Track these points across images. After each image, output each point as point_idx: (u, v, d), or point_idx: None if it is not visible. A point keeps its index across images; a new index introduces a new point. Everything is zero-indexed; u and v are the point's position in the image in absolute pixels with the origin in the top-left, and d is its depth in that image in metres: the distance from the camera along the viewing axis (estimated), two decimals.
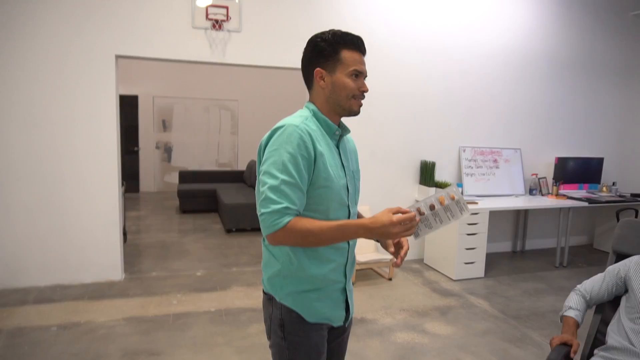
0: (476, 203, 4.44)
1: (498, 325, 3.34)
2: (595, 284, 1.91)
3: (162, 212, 7.19)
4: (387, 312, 3.50)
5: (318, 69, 1.33)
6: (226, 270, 4.39)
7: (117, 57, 3.80)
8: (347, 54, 1.32)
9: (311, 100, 1.40)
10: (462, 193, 4.81)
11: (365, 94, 1.35)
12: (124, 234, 4.67)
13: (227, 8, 3.93)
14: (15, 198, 3.67)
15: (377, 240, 1.45)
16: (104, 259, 3.95)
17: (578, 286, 1.96)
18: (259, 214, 1.24)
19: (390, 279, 4.22)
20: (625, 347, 1.65)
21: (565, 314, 1.87)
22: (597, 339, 1.91)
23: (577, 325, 1.82)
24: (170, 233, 5.83)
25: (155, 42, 3.83)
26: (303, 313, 1.34)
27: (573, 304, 1.88)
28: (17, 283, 3.74)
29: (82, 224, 3.85)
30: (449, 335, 3.15)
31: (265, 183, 1.22)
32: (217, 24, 3.92)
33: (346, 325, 1.49)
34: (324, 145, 1.31)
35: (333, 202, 1.31)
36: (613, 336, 1.72)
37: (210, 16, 3.90)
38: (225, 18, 3.93)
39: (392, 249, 1.42)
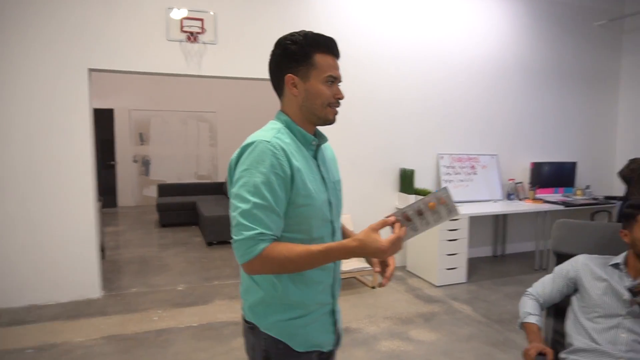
0: None
1: (481, 329, 3.37)
2: (546, 286, 1.92)
3: (141, 226, 7.06)
4: (371, 321, 3.49)
5: (289, 75, 1.21)
6: (208, 283, 4.33)
7: (90, 70, 3.74)
8: (320, 59, 1.21)
9: (283, 110, 1.28)
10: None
11: (341, 100, 1.26)
12: (102, 250, 4.56)
13: (202, 20, 3.92)
14: None
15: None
16: (81, 276, 3.84)
17: (529, 290, 1.96)
18: (232, 241, 1.14)
19: (373, 287, 4.22)
20: (591, 347, 1.68)
21: (526, 320, 1.84)
22: (556, 342, 1.95)
23: (540, 330, 1.83)
24: (149, 247, 5.72)
25: (129, 55, 3.78)
26: (291, 343, 1.23)
27: (531, 309, 1.87)
28: None
29: (58, 241, 3.74)
30: (433, 342, 3.16)
31: (236, 207, 1.12)
32: (192, 36, 3.90)
33: (336, 349, 1.40)
34: (300, 160, 1.20)
35: (315, 219, 1.21)
36: (577, 337, 1.75)
37: (185, 28, 3.88)
38: (200, 30, 3.92)
39: (377, 269, 1.32)
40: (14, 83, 3.52)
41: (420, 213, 1.18)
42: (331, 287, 1.32)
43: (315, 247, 1.12)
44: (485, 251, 5.50)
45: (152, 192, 8.74)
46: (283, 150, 1.15)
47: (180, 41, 3.90)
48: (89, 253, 3.85)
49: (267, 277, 1.21)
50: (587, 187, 5.57)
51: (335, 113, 1.26)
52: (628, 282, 1.75)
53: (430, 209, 1.18)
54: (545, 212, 4.92)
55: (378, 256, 1.10)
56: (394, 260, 1.31)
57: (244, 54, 4.08)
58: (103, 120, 8.17)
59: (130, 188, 8.83)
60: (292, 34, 1.23)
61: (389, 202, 4.84)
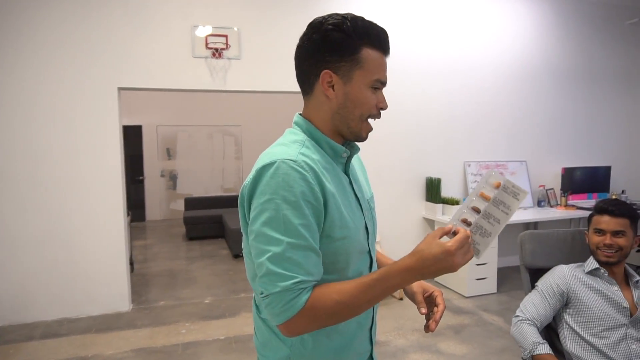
0: None
1: (514, 342, 3.25)
2: (538, 307, 1.76)
3: (169, 239, 7.17)
4: (399, 333, 3.42)
5: (327, 70, 0.93)
6: (234, 296, 4.34)
7: (120, 89, 3.85)
8: (369, 55, 0.93)
9: (306, 114, 1.01)
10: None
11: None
12: (131, 263, 4.64)
13: (226, 37, 3.99)
14: (21, 231, 3.67)
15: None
16: (111, 290, 3.92)
17: (522, 315, 1.78)
18: (259, 295, 0.88)
19: (401, 299, 4.15)
20: None
21: (539, 352, 1.65)
22: None
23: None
24: (177, 261, 5.80)
25: (156, 73, 3.88)
26: None
27: (536, 338, 1.69)
28: (23, 318, 3.71)
29: (89, 255, 3.84)
30: (464, 355, 3.07)
31: (262, 252, 0.85)
32: (217, 52, 3.97)
33: None
34: (332, 181, 0.94)
35: (353, 254, 0.97)
36: (587, 357, 1.64)
37: (210, 45, 3.96)
38: (224, 46, 3.99)
39: (423, 310, 0.99)
40: (49, 104, 3.66)
41: (478, 211, 0.94)
42: (369, 332, 1.08)
43: (366, 279, 0.87)
44: (516, 260, 5.33)
45: (180, 205, 8.89)
46: (313, 170, 0.89)
47: (206, 57, 3.98)
48: (119, 267, 3.93)
49: None
50: (623, 191, 5.36)
51: (371, 129, 1.01)
52: (616, 287, 1.69)
53: (487, 201, 0.94)
54: (579, 218, 4.75)
55: (446, 264, 0.84)
56: (443, 300, 1.04)
57: (267, 68, 4.13)
58: (132, 137, 8.39)
59: (158, 202, 9.00)
60: (335, 17, 0.93)
61: (415, 213, 4.77)
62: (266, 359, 1.03)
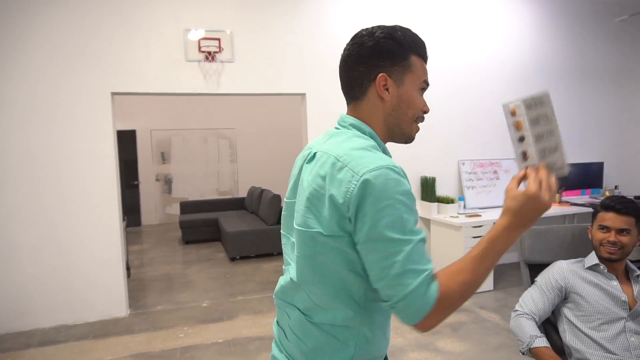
0: (479, 216, 4.42)
1: (511, 338, 3.27)
2: (537, 302, 1.79)
3: (165, 244, 7.15)
4: (397, 332, 3.43)
5: (383, 74, 0.99)
6: (232, 299, 4.34)
7: (113, 94, 3.84)
8: (416, 61, 1.02)
9: (362, 118, 1.03)
10: (464, 206, 4.84)
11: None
12: (127, 268, 4.63)
13: (219, 40, 4.00)
14: (16, 237, 3.65)
15: None
16: (108, 295, 3.90)
17: (520, 309, 1.81)
18: (390, 300, 0.87)
19: None
20: (608, 358, 1.63)
21: (536, 345, 1.67)
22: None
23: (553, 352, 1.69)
24: (173, 265, 5.79)
25: (150, 78, 3.88)
26: None
27: (535, 331, 1.71)
28: (20, 326, 3.69)
29: (85, 262, 3.82)
30: (462, 352, 3.09)
31: (394, 253, 0.85)
32: (210, 56, 3.97)
33: None
34: None
35: None
36: (590, 352, 1.66)
37: (202, 49, 3.96)
38: (217, 49, 3.99)
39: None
40: (42, 110, 3.64)
41: (522, 139, 0.93)
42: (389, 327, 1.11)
43: (475, 250, 0.91)
44: (512, 257, 5.37)
45: (175, 209, 8.87)
46: (404, 172, 0.94)
47: (199, 61, 3.98)
48: (116, 272, 3.92)
49: (358, 329, 0.97)
50: (616, 187, 5.41)
51: (418, 130, 1.07)
52: (615, 282, 1.71)
53: (523, 129, 0.93)
54: (573, 214, 4.79)
55: (539, 207, 0.89)
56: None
57: (260, 70, 4.14)
58: (126, 141, 8.37)
59: (153, 206, 8.98)
60: (384, 27, 1.02)
61: None
62: None
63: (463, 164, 4.95)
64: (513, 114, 0.94)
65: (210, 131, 9.14)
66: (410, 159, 4.74)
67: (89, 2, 3.70)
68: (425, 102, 1.05)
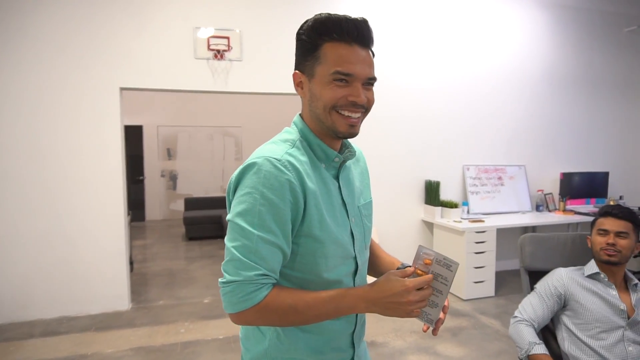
0: (482, 221, 4.42)
1: (511, 345, 3.27)
2: (537, 308, 1.79)
3: (169, 239, 7.19)
4: (397, 335, 3.44)
5: (295, 71, 0.99)
6: None
7: (122, 89, 3.88)
8: (329, 49, 0.93)
9: (302, 114, 1.04)
10: (468, 211, 4.83)
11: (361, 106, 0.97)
12: (131, 263, 4.66)
13: (228, 38, 4.02)
14: (22, 230, 3.69)
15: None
16: (111, 289, 3.93)
17: (520, 316, 1.81)
18: (221, 280, 0.89)
19: None
20: None
21: (535, 352, 1.67)
22: None
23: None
24: (176, 261, 5.82)
25: (158, 74, 3.91)
26: None
27: (533, 338, 1.71)
28: (23, 316, 3.72)
29: (89, 255, 3.86)
30: (461, 357, 3.09)
31: (234, 239, 0.88)
32: (218, 54, 4.00)
33: None
34: (316, 181, 0.96)
35: (332, 257, 0.98)
36: (584, 358, 1.67)
37: (211, 47, 3.98)
38: (226, 48, 4.02)
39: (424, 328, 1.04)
40: (52, 104, 3.68)
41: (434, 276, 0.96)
42: (351, 336, 1.07)
43: (324, 293, 0.91)
44: (514, 264, 5.36)
45: (179, 206, 8.91)
46: (296, 170, 0.92)
47: (207, 59, 4.00)
48: (119, 266, 3.95)
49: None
50: (621, 197, 5.39)
51: (350, 122, 0.96)
52: (614, 291, 1.72)
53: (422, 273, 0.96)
54: (577, 223, 4.78)
55: (400, 301, 0.87)
56: (448, 301, 1.02)
57: (269, 69, 4.16)
58: (132, 137, 8.42)
59: (158, 202, 9.02)
60: (307, 20, 0.98)
61: (414, 215, 4.79)
62: (248, 352, 1.06)
63: (468, 169, 4.95)
64: (426, 262, 0.97)
65: (216, 129, 9.18)
66: (415, 163, 4.75)
67: None
68: (354, 92, 0.93)
